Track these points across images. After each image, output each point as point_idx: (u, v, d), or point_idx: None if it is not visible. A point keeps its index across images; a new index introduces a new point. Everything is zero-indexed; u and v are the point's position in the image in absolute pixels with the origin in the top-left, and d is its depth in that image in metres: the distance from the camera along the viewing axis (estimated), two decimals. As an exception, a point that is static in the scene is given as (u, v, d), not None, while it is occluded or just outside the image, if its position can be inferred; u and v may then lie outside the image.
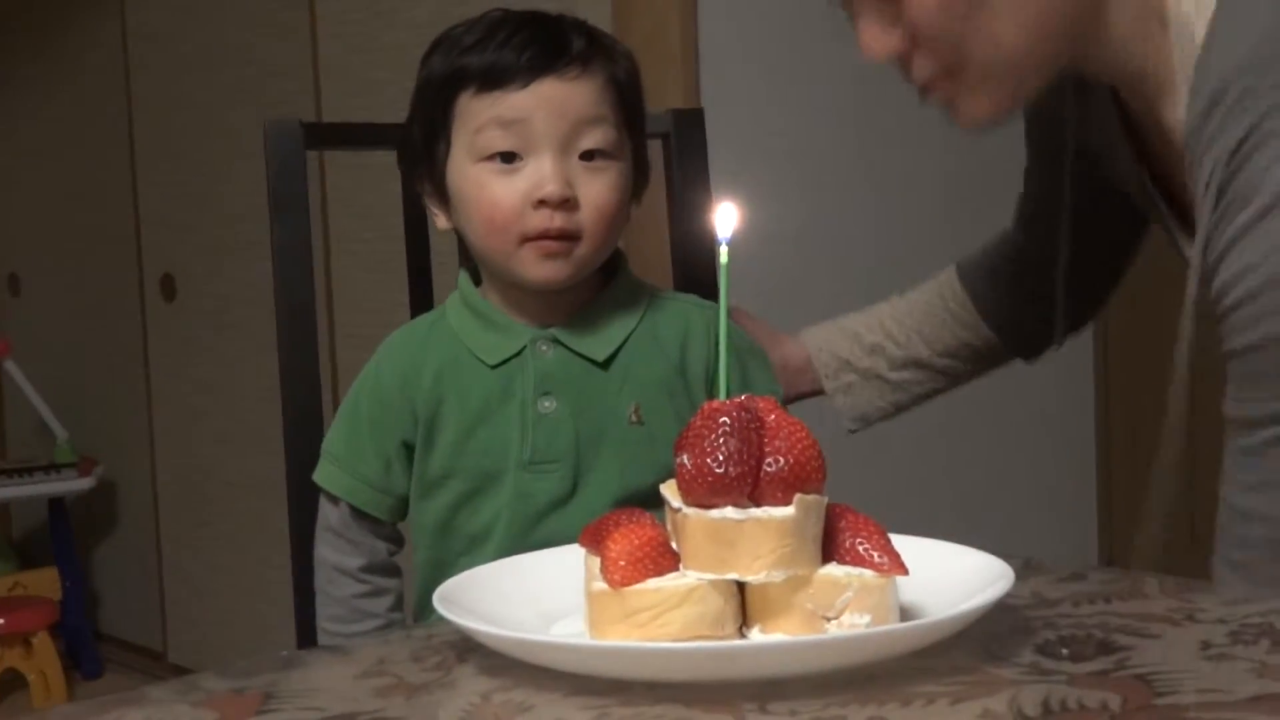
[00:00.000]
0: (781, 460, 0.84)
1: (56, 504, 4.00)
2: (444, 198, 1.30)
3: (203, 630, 3.71)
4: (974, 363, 1.63)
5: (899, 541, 0.88)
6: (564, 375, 1.27)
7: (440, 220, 1.32)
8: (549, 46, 1.25)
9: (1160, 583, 1.00)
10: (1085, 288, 1.54)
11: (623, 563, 0.85)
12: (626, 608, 0.84)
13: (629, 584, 0.85)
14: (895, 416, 1.65)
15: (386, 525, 1.33)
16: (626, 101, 1.28)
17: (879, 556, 0.85)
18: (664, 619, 0.84)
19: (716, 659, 0.81)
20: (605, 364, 1.28)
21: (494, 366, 1.28)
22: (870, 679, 0.81)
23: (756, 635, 0.86)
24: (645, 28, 2.53)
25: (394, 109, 3.01)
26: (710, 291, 1.50)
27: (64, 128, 4.12)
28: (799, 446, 0.85)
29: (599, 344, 1.28)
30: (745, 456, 0.84)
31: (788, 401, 1.58)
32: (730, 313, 1.48)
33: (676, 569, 0.86)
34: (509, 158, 1.24)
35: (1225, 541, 1.14)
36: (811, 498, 0.85)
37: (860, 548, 0.86)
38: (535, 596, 0.95)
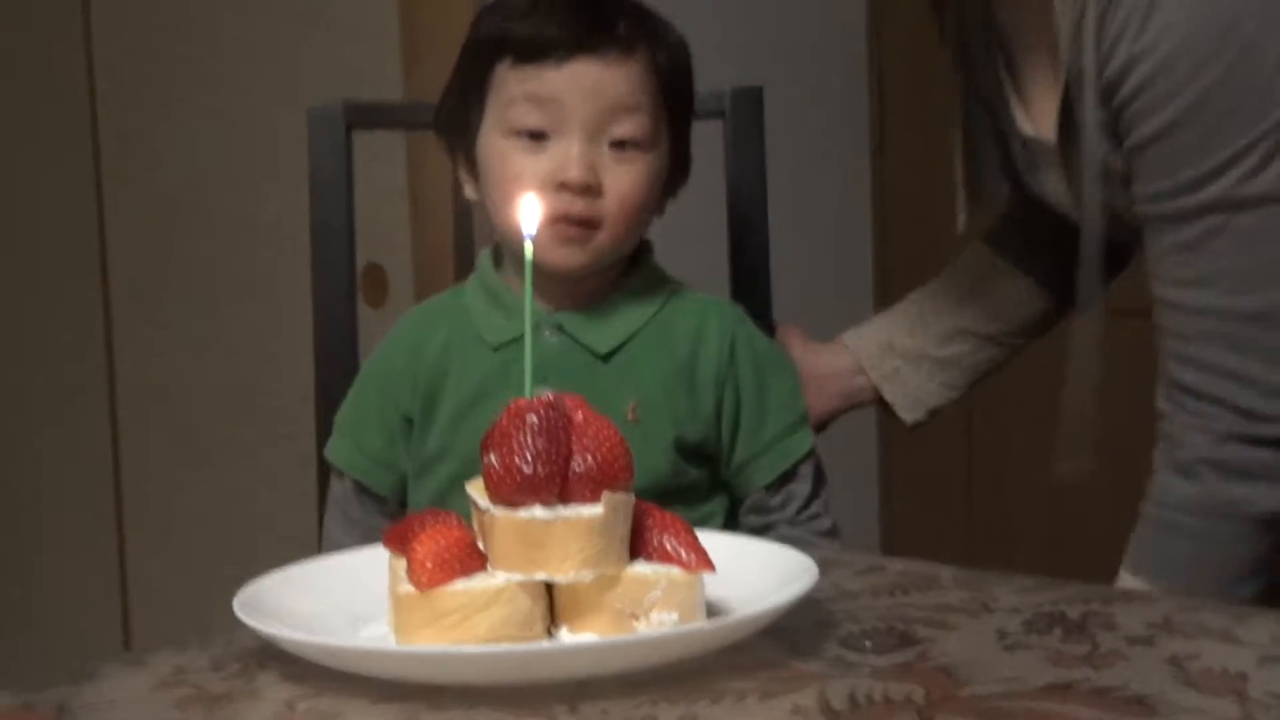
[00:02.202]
0: (589, 458, 0.84)
1: None
2: (474, 167, 1.28)
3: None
4: (1025, 324, 1.57)
5: (705, 538, 0.88)
6: (563, 365, 1.24)
7: (468, 190, 1.30)
8: (592, 25, 1.22)
9: (954, 574, 1.03)
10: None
11: (429, 564, 0.84)
12: (434, 610, 0.84)
13: (436, 585, 0.84)
14: (956, 399, 1.57)
15: (389, 503, 1.31)
16: (670, 91, 1.26)
17: (686, 554, 0.86)
18: (472, 621, 0.83)
19: (526, 661, 0.81)
20: (607, 357, 1.25)
21: (496, 348, 1.26)
22: (680, 677, 0.82)
23: (565, 635, 0.86)
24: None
25: (177, 80, 2.92)
26: (755, 277, 1.50)
27: None
28: (606, 444, 0.85)
29: (603, 336, 1.25)
30: (553, 455, 0.84)
31: (839, 413, 1.55)
32: (773, 326, 1.48)
33: (484, 569, 0.85)
34: (537, 136, 1.22)
35: (1168, 351, 1.20)
36: (619, 495, 0.85)
37: (668, 545, 0.86)
38: (342, 599, 0.93)
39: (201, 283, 2.90)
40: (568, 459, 0.84)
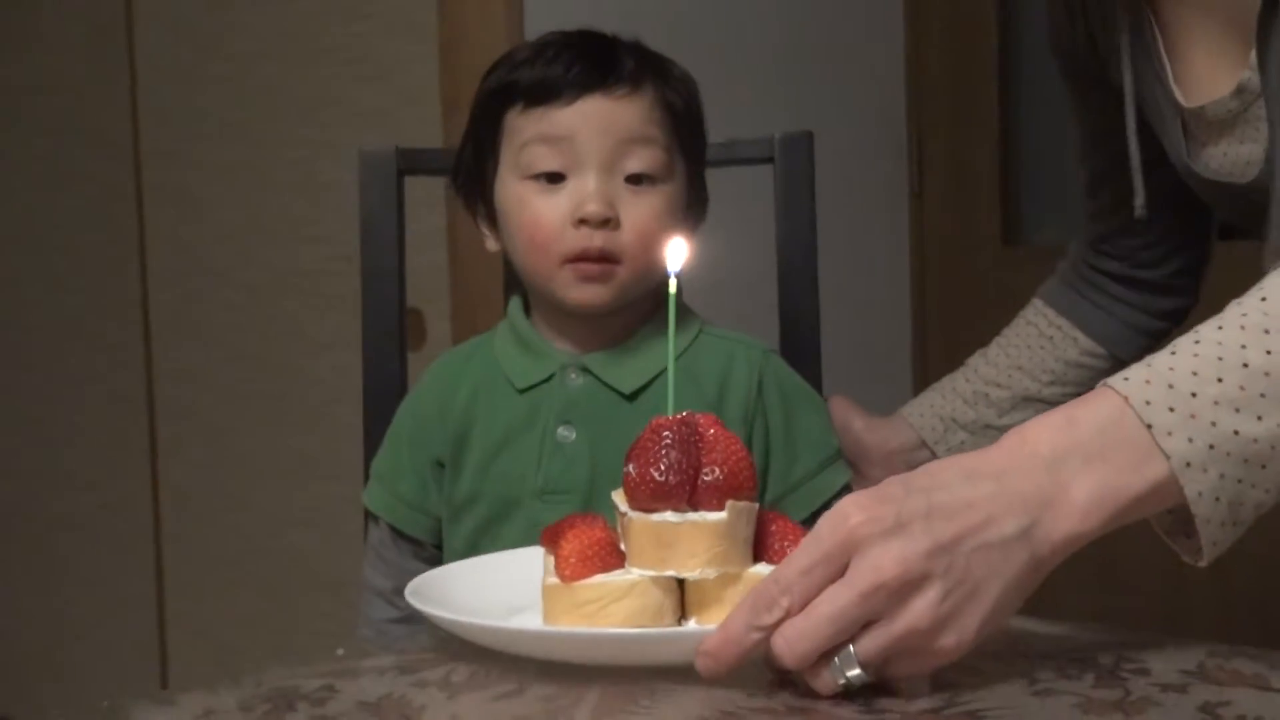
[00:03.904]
0: (717, 470, 0.95)
1: None
2: (494, 218, 1.30)
3: (19, 680, 3.58)
4: (1082, 384, 1.55)
5: None
6: (588, 405, 1.26)
7: (490, 242, 1.32)
8: (598, 64, 1.24)
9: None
10: (1175, 254, 1.53)
11: (574, 560, 0.95)
12: (576, 600, 0.95)
13: (578, 579, 0.95)
14: None
15: (426, 548, 1.33)
16: (680, 125, 1.28)
17: None
18: (609, 610, 0.94)
19: (654, 644, 0.92)
20: (632, 397, 1.26)
21: (522, 391, 1.28)
22: None
23: (692, 626, 0.95)
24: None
25: (216, 140, 2.97)
26: (805, 321, 1.51)
27: None
28: (733, 459, 0.95)
29: (629, 376, 1.27)
30: (685, 466, 0.94)
31: None
32: (828, 400, 1.49)
33: (622, 566, 0.96)
34: (554, 177, 1.24)
35: None
36: (743, 504, 0.95)
37: (787, 550, 0.96)
38: (500, 592, 1.05)
39: (244, 325, 2.92)
40: (698, 470, 0.95)
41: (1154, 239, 1.53)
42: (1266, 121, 1.23)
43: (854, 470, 1.51)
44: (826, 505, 1.24)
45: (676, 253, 1.03)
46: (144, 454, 3.14)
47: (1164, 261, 1.54)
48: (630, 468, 0.95)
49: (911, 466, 1.53)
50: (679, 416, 0.96)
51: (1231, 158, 1.29)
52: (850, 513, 0.86)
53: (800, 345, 1.51)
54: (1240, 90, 1.24)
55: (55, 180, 3.31)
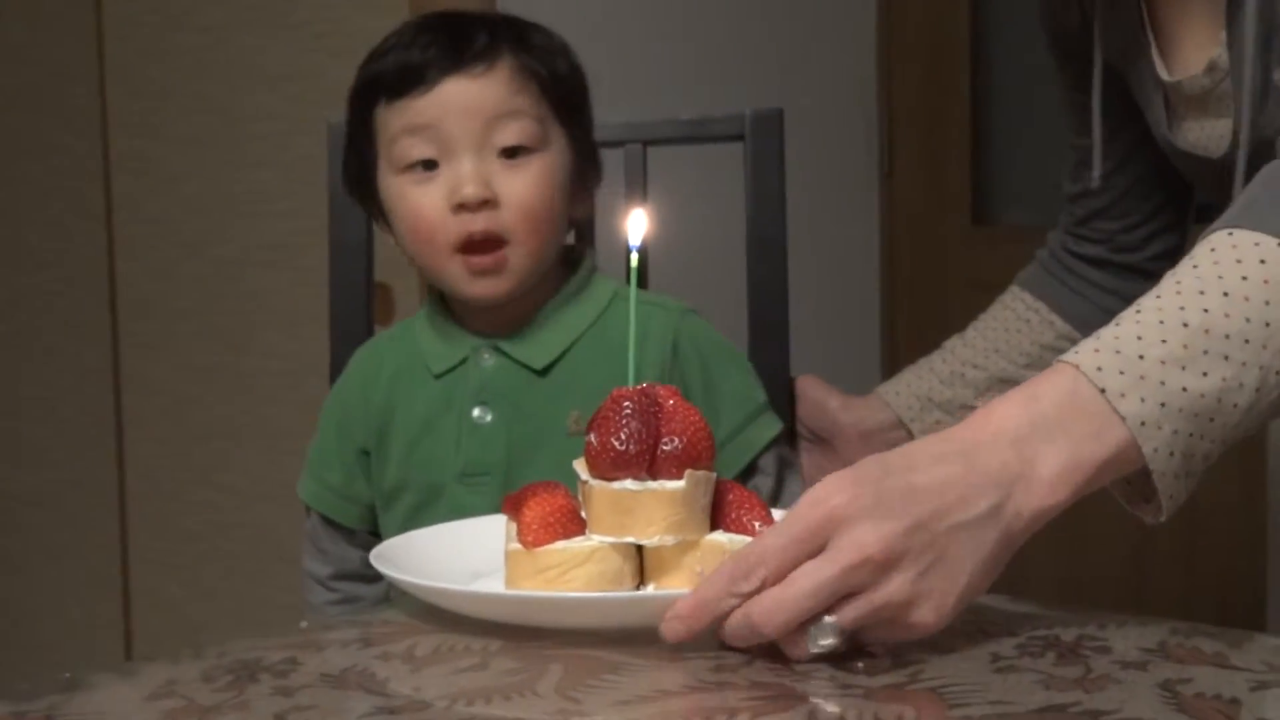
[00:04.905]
0: (676, 440, 0.97)
1: None
2: (385, 214, 1.30)
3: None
4: None
5: (779, 515, 0.98)
6: (501, 385, 1.26)
7: (390, 238, 1.32)
8: (451, 44, 1.24)
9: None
10: (1155, 238, 1.55)
11: (536, 526, 0.98)
12: (538, 565, 0.98)
13: (540, 545, 0.98)
14: None
15: (358, 534, 1.33)
16: (548, 91, 1.26)
17: (760, 526, 0.98)
18: (570, 575, 0.97)
19: (613, 607, 0.95)
20: (544, 372, 1.26)
21: (438, 376, 1.28)
22: (670, 695, 0.86)
23: (650, 590, 0.98)
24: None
25: (184, 112, 2.95)
26: (773, 299, 1.51)
27: None
28: (692, 429, 0.98)
29: (539, 352, 1.27)
30: (644, 436, 0.97)
31: None
32: (799, 379, 1.48)
33: (583, 533, 0.99)
34: (428, 165, 1.23)
35: None
36: (701, 473, 0.98)
37: (744, 518, 0.99)
38: (464, 558, 1.07)
39: (211, 298, 2.91)
40: (657, 439, 0.98)
41: (1134, 222, 1.55)
42: (1233, 98, 1.24)
43: (829, 448, 1.52)
44: (758, 459, 1.25)
45: (636, 225, 1.04)
46: (110, 428, 3.13)
47: (1144, 245, 1.56)
48: (591, 436, 0.98)
49: (888, 445, 1.55)
50: (640, 387, 0.99)
51: (1207, 132, 1.31)
52: (831, 493, 0.89)
53: (769, 323, 1.53)
54: (1211, 67, 1.27)
55: (22, 151, 3.28)
